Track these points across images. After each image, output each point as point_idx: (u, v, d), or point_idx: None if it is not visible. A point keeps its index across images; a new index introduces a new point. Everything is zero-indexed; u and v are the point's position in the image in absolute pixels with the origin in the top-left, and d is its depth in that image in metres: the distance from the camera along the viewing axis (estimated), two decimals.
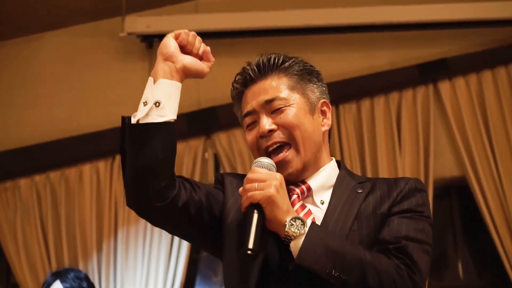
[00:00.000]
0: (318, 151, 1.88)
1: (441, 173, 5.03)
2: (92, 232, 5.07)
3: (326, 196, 1.85)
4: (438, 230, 5.09)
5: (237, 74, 1.96)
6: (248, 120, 1.90)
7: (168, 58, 1.81)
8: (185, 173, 5.09)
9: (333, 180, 1.87)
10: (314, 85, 1.92)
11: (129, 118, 1.76)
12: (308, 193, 1.85)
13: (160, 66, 1.80)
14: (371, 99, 5.16)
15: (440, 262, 5.35)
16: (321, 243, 1.64)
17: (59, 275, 3.64)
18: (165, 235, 4.97)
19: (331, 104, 5.46)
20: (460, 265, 5.25)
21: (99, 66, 5.60)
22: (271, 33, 5.14)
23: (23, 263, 5.08)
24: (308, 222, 1.68)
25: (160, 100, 1.74)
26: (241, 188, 1.73)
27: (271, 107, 1.86)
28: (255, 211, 1.67)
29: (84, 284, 3.63)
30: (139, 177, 1.70)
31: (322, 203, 1.83)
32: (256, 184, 1.69)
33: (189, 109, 5.20)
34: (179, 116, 5.69)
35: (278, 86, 1.87)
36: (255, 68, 1.91)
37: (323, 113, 1.92)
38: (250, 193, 1.68)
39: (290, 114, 1.84)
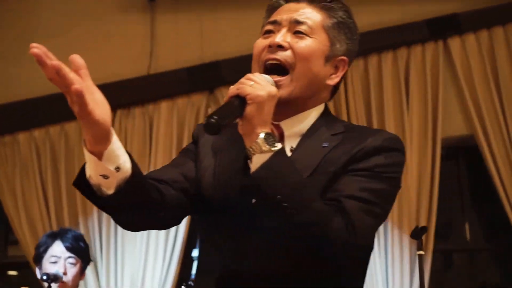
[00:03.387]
0: (310, 96, 1.83)
1: (450, 132, 5.05)
2: None
3: (295, 144, 1.81)
4: (445, 191, 5.13)
5: None
6: (268, 27, 1.86)
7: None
8: (187, 129, 5.16)
9: (306, 129, 1.82)
10: (346, 40, 1.88)
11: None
12: (280, 139, 1.80)
13: None
14: (379, 55, 5.15)
15: (447, 225, 5.37)
16: (285, 168, 1.59)
17: (58, 235, 3.70)
18: None
19: None
20: (467, 228, 5.29)
21: (100, 19, 5.66)
22: None
23: (22, 219, 5.18)
24: (280, 145, 1.62)
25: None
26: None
27: (295, 28, 1.81)
28: (238, 100, 1.64)
29: (82, 244, 3.70)
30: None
31: (291, 151, 1.78)
32: (252, 82, 1.65)
33: (191, 64, 5.23)
34: (180, 70, 5.53)
35: (313, 16, 1.84)
36: None
37: (336, 68, 1.86)
38: (241, 85, 1.63)
39: (307, 44, 1.80)
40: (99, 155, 1.54)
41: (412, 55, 5.13)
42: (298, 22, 1.81)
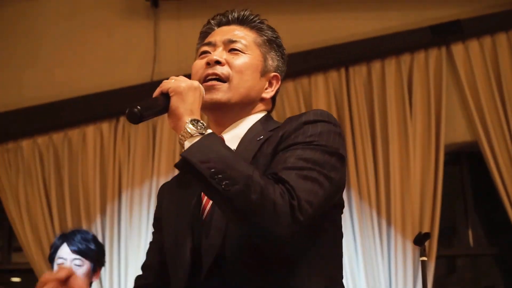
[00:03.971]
0: (247, 104, 1.95)
1: (453, 138, 5.07)
2: (96, 195, 5.16)
3: (235, 146, 1.90)
4: (448, 197, 5.14)
5: (217, 14, 2.06)
6: (204, 48, 1.98)
7: None
8: None
9: (245, 132, 1.92)
10: (276, 57, 2.03)
11: None
12: None
13: None
14: (382, 61, 5.18)
15: (450, 230, 5.42)
16: (216, 147, 1.64)
17: (65, 238, 3.76)
18: None
19: (340, 67, 5.26)
20: (470, 233, 5.30)
21: (103, 25, 5.69)
22: None
23: (25, 226, 5.18)
24: (210, 131, 1.71)
25: None
26: None
27: (230, 46, 1.95)
28: (162, 96, 1.73)
29: (92, 246, 3.72)
30: None
31: None
32: (173, 80, 1.76)
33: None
34: (184, 76, 5.55)
35: (245, 36, 1.99)
36: (235, 15, 2.02)
37: (270, 84, 2.01)
38: (163, 83, 1.75)
39: (242, 60, 1.94)
40: None
41: (415, 61, 5.16)
42: (232, 41, 1.95)
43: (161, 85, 1.74)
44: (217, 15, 2.05)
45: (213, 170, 1.58)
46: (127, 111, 1.67)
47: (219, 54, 1.92)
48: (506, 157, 4.86)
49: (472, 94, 5.03)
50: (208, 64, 1.91)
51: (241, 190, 1.57)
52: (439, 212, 4.81)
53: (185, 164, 1.62)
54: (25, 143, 5.37)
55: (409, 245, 4.56)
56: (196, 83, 1.78)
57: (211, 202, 1.79)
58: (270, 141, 1.81)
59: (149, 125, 5.24)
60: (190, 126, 1.67)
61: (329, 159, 1.72)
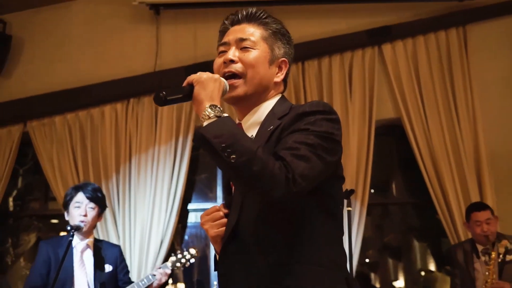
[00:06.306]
0: (263, 92, 2.03)
1: (382, 115, 5.70)
2: (112, 158, 5.75)
3: (255, 131, 1.99)
4: (380, 161, 5.69)
5: (230, 14, 2.15)
6: (221, 48, 2.07)
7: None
8: (184, 113, 5.65)
9: (263, 117, 2.00)
10: (282, 45, 2.10)
11: None
12: None
13: None
14: (330, 58, 5.79)
15: (382, 186, 5.97)
16: (229, 127, 1.72)
17: (80, 188, 4.12)
18: (169, 161, 5.56)
19: (297, 62, 5.90)
20: (394, 187, 5.90)
21: (116, 28, 6.15)
22: (249, 4, 5.38)
23: (58, 183, 5.77)
24: (227, 115, 1.78)
25: None
26: None
27: (242, 44, 2.03)
28: (188, 86, 1.85)
29: (99, 194, 4.15)
30: None
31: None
32: (199, 73, 1.87)
33: (188, 63, 5.74)
34: (179, 68, 6.00)
35: (253, 32, 2.06)
36: (244, 13, 2.11)
37: (280, 68, 2.08)
38: (189, 76, 1.87)
39: (252, 55, 2.01)
40: None
41: (355, 58, 5.72)
42: (243, 40, 2.03)
43: (188, 77, 1.83)
44: (230, 15, 2.11)
45: (223, 144, 1.65)
46: (154, 95, 1.76)
47: (232, 53, 1.99)
48: (421, 129, 5.47)
49: (397, 82, 5.62)
50: (225, 62, 1.99)
51: (245, 162, 1.64)
52: (370, 172, 5.42)
53: (201, 139, 1.70)
54: (57, 119, 5.89)
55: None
56: (216, 76, 1.87)
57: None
58: (277, 131, 1.86)
59: (152, 105, 5.65)
60: (209, 109, 1.74)
61: (321, 142, 1.77)
